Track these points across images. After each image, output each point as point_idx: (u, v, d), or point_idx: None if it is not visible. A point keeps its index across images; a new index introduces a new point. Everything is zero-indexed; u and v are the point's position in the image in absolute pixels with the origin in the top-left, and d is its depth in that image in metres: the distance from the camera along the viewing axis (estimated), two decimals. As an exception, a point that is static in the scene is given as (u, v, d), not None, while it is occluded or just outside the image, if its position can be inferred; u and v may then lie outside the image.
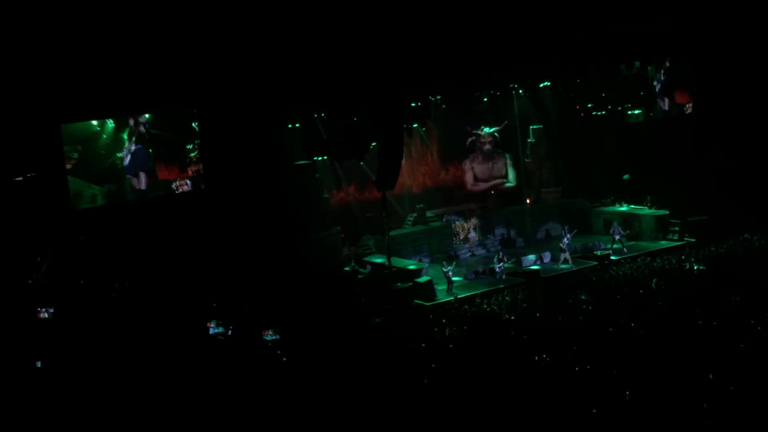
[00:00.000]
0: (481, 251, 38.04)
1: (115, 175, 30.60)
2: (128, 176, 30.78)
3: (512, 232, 39.22)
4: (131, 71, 29.04)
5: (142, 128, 30.88)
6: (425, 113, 36.45)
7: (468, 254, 37.44)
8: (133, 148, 30.72)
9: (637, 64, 38.27)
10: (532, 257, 34.56)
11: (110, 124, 30.40)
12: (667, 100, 40.20)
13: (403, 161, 35.07)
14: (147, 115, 30.93)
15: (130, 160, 30.73)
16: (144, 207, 30.74)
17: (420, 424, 15.20)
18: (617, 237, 35.35)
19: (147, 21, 28.67)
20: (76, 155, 29.63)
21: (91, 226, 28.75)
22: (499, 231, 39.14)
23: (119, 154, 30.59)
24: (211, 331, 23.09)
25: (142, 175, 31.03)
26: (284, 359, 20.37)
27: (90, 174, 30.04)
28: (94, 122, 30.14)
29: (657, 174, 38.56)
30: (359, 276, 32.57)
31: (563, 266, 33.28)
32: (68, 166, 29.38)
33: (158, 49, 28.98)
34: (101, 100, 29.21)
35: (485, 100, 38.45)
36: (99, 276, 22.65)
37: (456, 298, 30.02)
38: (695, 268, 29.49)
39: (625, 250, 34.86)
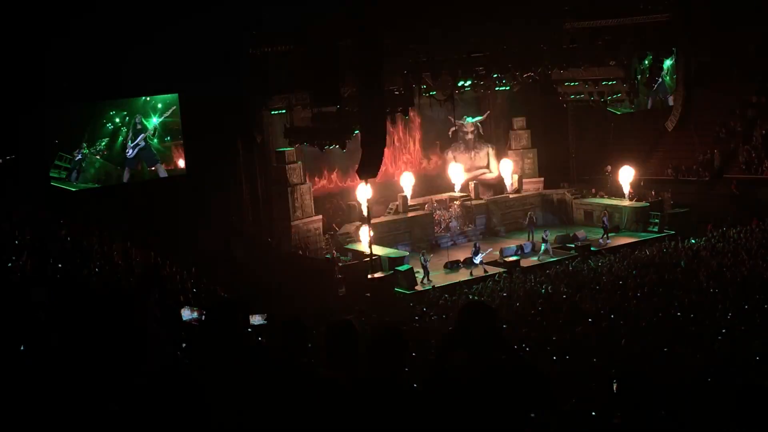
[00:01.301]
0: (462, 240, 38.07)
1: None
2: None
3: (493, 222, 39.27)
4: (113, 57, 28.87)
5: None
6: (408, 101, 36.35)
7: (450, 243, 37.46)
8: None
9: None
10: (512, 248, 34.64)
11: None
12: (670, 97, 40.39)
13: (386, 150, 35.00)
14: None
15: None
16: (125, 192, 30.69)
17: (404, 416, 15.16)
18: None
19: (127, 7, 28.51)
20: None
21: (73, 209, 28.66)
22: (481, 221, 39.19)
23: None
24: (185, 317, 22.93)
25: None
26: (263, 343, 20.29)
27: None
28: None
29: (638, 165, 38.78)
30: (340, 264, 32.56)
31: (547, 258, 33.40)
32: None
33: (140, 35, 28.80)
34: (84, 85, 29.07)
35: (468, 89, 38.40)
36: (75, 258, 22.44)
37: (434, 287, 30.08)
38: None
39: (608, 240, 35.13)
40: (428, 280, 31.17)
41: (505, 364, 5.41)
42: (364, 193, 33.67)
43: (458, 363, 5.48)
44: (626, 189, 38.26)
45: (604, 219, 35.99)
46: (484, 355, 5.32)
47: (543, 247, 33.72)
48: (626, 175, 38.32)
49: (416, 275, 31.38)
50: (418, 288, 30.63)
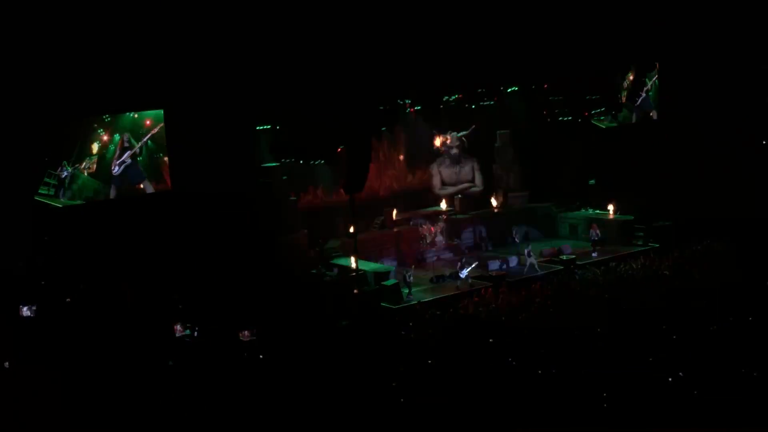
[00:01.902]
0: (447, 255, 38.08)
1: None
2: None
3: (479, 236, 39.31)
4: (97, 72, 28.82)
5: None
6: (394, 117, 36.54)
7: (435, 258, 37.45)
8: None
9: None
10: (498, 262, 34.70)
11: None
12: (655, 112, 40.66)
13: (371, 164, 35.10)
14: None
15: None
16: (111, 209, 30.58)
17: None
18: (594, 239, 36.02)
19: (113, 22, 28.47)
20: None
21: (60, 227, 28.57)
22: (466, 235, 39.24)
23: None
24: (179, 334, 22.94)
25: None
26: (260, 357, 20.32)
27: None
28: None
29: (623, 179, 38.96)
30: (325, 278, 32.54)
31: (535, 271, 33.52)
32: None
33: (126, 50, 28.78)
34: (69, 100, 28.98)
35: (453, 104, 38.57)
36: (67, 276, 22.43)
37: (419, 302, 30.12)
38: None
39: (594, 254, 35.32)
40: (411, 295, 31.23)
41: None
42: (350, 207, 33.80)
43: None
44: (611, 203, 38.47)
45: (594, 233, 36.07)
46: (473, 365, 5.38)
47: (528, 262, 33.78)
48: (611, 190, 38.51)
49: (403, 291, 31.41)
50: (403, 303, 30.62)
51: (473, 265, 32.74)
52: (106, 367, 18.62)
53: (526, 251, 34.26)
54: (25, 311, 21.71)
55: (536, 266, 33.62)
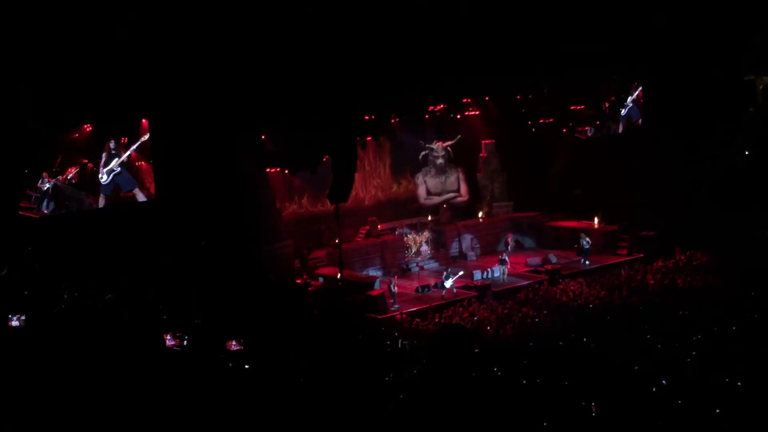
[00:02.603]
0: (433, 265, 38.13)
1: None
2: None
3: (464, 246, 39.36)
4: (83, 80, 28.68)
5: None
6: (379, 126, 36.55)
7: (419, 268, 37.45)
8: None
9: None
10: (482, 272, 34.76)
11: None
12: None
13: (356, 174, 35.09)
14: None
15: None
16: (96, 218, 30.39)
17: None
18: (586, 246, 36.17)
19: (100, 32, 28.36)
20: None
21: (45, 235, 28.38)
22: (452, 245, 39.30)
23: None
24: (168, 343, 22.80)
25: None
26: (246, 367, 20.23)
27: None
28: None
29: (607, 189, 39.09)
30: (311, 288, 32.54)
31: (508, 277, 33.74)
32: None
33: (111, 59, 28.66)
34: (54, 109, 28.83)
35: (438, 114, 38.59)
36: (51, 285, 22.30)
37: (401, 313, 30.14)
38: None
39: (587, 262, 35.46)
40: (396, 306, 31.25)
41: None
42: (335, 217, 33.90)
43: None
44: (596, 212, 38.60)
45: (585, 241, 36.17)
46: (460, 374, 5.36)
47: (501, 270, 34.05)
48: (595, 199, 38.63)
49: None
50: (389, 313, 30.62)
51: (459, 275, 32.74)
52: (94, 377, 18.49)
53: (506, 252, 34.60)
54: (14, 322, 21.56)
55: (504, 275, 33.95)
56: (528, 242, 38.43)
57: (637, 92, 40.45)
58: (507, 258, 34.87)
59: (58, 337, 21.17)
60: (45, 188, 29.58)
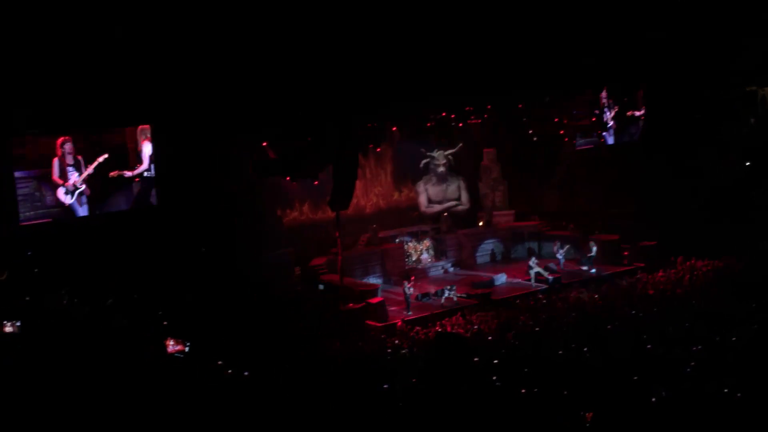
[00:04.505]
0: (433, 273, 38.14)
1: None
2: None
3: (465, 254, 39.39)
4: (86, 88, 28.67)
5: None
6: (380, 134, 36.61)
7: (421, 276, 37.44)
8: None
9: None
10: (484, 280, 34.78)
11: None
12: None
13: (357, 182, 35.10)
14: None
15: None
16: (94, 223, 30.31)
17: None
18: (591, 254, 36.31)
19: (100, 39, 28.37)
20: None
21: (42, 242, 28.30)
22: (452, 253, 39.33)
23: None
24: (170, 349, 22.87)
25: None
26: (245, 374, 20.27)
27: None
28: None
29: (606, 199, 39.13)
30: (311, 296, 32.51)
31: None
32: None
33: (114, 66, 28.67)
34: (56, 116, 28.79)
35: (439, 123, 38.60)
36: (50, 292, 22.30)
37: (402, 320, 30.14)
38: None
39: (593, 270, 35.54)
40: (409, 312, 31.19)
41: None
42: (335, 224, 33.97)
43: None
44: (594, 222, 38.61)
45: (593, 248, 36.23)
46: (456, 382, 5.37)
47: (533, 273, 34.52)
48: (595, 208, 38.66)
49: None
50: (390, 321, 30.58)
51: (452, 288, 32.63)
52: (91, 384, 18.53)
53: (530, 262, 34.59)
54: (8, 327, 21.57)
55: (537, 276, 33.93)
56: (569, 252, 38.04)
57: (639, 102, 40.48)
58: (534, 264, 35.03)
59: (56, 342, 21.20)
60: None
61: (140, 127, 29.43)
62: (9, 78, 26.71)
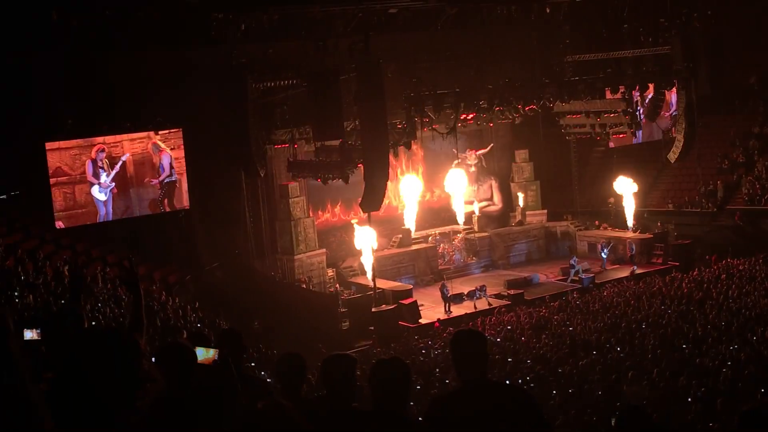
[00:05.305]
0: (466, 273, 38.00)
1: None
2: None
3: (497, 255, 39.23)
4: (116, 92, 28.94)
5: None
6: (411, 134, 36.45)
7: (454, 276, 37.28)
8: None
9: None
10: (518, 280, 34.62)
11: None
12: (655, 125, 40.26)
13: (389, 182, 35.04)
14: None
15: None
16: (129, 224, 30.58)
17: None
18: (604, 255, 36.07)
19: (129, 43, 28.60)
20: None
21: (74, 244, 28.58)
22: (484, 253, 39.14)
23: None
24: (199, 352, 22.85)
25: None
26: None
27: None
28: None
29: (640, 197, 38.78)
30: (344, 297, 32.55)
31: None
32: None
33: (143, 71, 28.92)
34: (87, 121, 29.15)
35: (471, 122, 38.42)
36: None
37: (438, 320, 30.04)
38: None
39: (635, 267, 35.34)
40: (449, 310, 31.12)
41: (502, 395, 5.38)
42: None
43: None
44: (630, 221, 38.21)
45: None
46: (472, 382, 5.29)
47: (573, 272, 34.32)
48: (629, 207, 38.30)
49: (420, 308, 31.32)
50: (422, 321, 30.52)
51: (484, 290, 32.49)
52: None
53: (572, 261, 34.45)
54: (28, 334, 21.53)
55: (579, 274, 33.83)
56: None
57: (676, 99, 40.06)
58: (575, 263, 34.93)
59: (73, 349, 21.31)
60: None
61: (152, 141, 31.02)
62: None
